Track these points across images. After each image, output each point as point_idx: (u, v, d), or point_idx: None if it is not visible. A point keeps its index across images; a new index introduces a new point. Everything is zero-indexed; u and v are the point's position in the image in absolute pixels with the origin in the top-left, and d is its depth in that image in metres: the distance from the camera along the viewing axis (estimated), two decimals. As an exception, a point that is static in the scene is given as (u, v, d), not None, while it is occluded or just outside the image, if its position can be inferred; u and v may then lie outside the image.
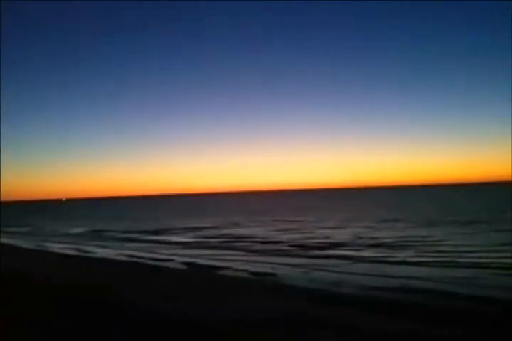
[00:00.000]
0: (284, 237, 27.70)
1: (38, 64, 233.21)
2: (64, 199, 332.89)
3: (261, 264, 17.88)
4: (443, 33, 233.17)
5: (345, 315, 8.62)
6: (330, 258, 18.85)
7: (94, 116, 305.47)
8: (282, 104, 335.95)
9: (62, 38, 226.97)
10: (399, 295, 11.36)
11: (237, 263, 18.48)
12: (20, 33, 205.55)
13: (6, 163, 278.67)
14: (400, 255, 18.82)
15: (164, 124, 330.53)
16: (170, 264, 18.78)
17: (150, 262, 19.54)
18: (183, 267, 17.95)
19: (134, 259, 20.67)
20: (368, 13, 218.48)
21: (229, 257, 20.39)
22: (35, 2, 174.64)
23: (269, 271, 16.24)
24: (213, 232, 33.42)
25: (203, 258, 20.36)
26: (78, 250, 25.53)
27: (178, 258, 20.26)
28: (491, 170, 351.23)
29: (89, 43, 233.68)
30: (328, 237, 26.68)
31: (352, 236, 26.34)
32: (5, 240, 31.79)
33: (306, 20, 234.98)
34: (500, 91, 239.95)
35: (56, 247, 27.63)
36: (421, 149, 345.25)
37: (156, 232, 35.47)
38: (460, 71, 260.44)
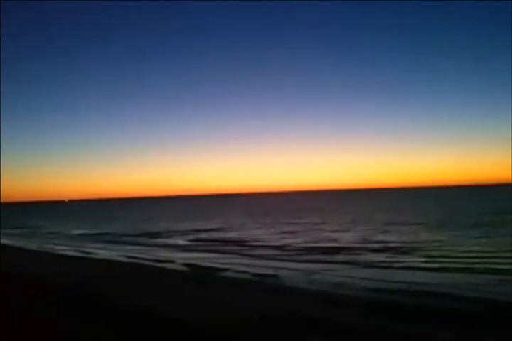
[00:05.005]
0: (288, 240, 27.31)
1: (38, 64, 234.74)
2: (67, 200, 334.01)
3: (263, 267, 17.55)
4: (443, 33, 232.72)
5: (343, 316, 8.51)
6: (334, 262, 18.41)
7: (96, 116, 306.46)
8: (286, 104, 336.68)
9: (62, 38, 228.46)
10: (398, 297, 11.17)
11: (238, 265, 18.23)
12: (20, 33, 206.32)
13: (8, 164, 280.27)
14: (406, 260, 18.36)
15: (168, 125, 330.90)
16: (172, 266, 18.61)
17: (151, 263, 19.42)
18: (185, 268, 17.83)
19: (136, 261, 20.52)
20: (367, 13, 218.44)
21: (231, 260, 20.06)
22: (35, 2, 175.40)
23: (271, 273, 15.96)
24: (216, 235, 33.10)
25: (205, 260, 20.10)
26: (80, 252, 25.33)
27: (179, 260, 20.09)
28: (497, 171, 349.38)
29: (89, 43, 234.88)
30: (332, 240, 26.25)
31: (357, 240, 25.88)
32: (6, 241, 31.56)
33: (305, 20, 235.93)
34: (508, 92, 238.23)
35: (57, 249, 27.46)
36: (426, 150, 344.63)
37: (160, 234, 35.22)
38: (468, 70, 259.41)
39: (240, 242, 27.36)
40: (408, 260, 18.29)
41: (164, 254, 22.87)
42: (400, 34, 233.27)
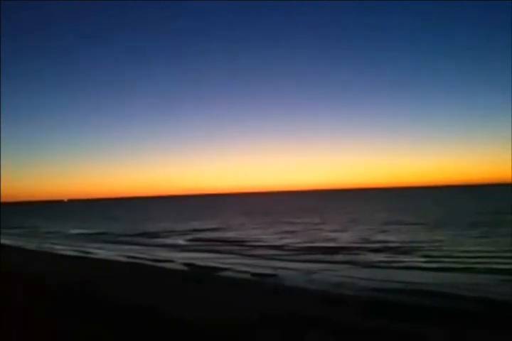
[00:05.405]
0: (287, 240, 27.31)
1: (39, 64, 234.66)
2: (65, 200, 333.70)
3: (262, 267, 17.54)
4: (443, 33, 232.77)
5: (343, 315, 8.50)
6: (334, 262, 18.42)
7: (96, 116, 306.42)
8: (286, 104, 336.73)
9: (62, 38, 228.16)
10: (398, 297, 11.19)
11: (238, 265, 18.22)
12: (20, 33, 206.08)
13: (8, 164, 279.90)
14: (406, 260, 18.36)
15: (168, 125, 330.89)
16: (171, 265, 18.58)
17: (151, 263, 19.40)
18: (185, 268, 17.81)
19: (136, 260, 20.50)
20: (367, 13, 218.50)
21: (231, 260, 20.07)
22: (35, 2, 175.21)
23: (270, 272, 15.95)
24: (216, 234, 33.07)
25: (205, 260, 20.08)
26: (79, 251, 25.29)
27: (179, 260, 20.07)
28: (497, 171, 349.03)
29: (89, 43, 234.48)
30: (332, 240, 26.24)
31: (356, 240, 25.88)
32: (6, 241, 31.52)
33: (305, 21, 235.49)
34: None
35: (57, 248, 27.45)
36: (426, 150, 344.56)
37: (159, 234, 35.19)
38: (468, 70, 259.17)
39: (239, 242, 27.35)
40: (408, 260, 18.28)
41: (164, 254, 22.86)
42: (400, 34, 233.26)
